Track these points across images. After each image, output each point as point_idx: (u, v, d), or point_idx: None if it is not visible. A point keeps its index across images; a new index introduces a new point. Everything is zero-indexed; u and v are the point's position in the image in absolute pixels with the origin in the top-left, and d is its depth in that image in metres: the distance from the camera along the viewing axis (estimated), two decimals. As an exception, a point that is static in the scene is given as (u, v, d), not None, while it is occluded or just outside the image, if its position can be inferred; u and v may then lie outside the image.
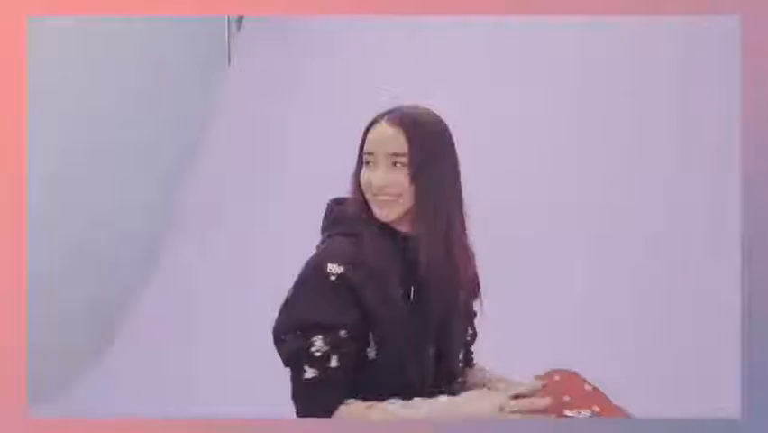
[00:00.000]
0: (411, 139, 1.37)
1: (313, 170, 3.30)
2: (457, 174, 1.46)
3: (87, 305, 3.49)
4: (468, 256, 1.51)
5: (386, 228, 1.44)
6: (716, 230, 2.70)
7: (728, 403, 1.81)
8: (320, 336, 1.34)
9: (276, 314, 1.42)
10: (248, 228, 3.55)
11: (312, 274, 1.38)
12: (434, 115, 1.45)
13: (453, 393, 1.40)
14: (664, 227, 2.85)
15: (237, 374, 3.00)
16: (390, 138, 1.38)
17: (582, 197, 2.97)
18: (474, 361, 1.69)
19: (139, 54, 3.66)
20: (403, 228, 1.45)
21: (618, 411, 1.33)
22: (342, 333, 1.35)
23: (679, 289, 2.74)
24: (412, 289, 1.45)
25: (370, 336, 1.40)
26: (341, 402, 1.36)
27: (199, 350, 3.28)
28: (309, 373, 1.34)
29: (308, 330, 1.35)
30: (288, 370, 1.39)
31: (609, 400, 1.36)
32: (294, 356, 1.36)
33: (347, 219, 1.45)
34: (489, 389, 1.45)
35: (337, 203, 1.51)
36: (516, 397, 1.30)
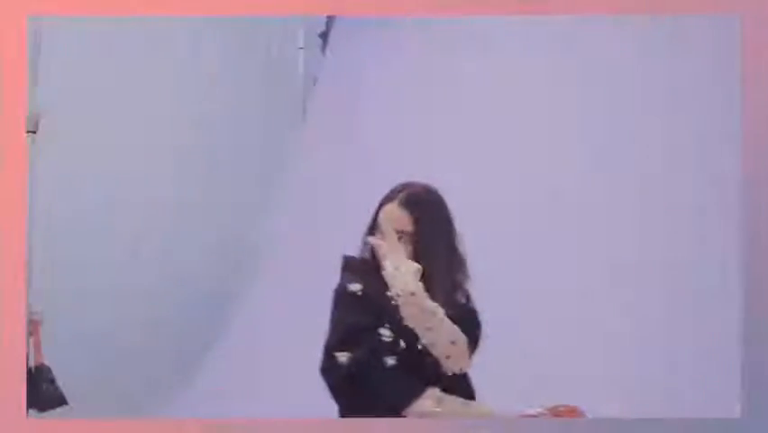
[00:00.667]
0: (416, 220, 1.66)
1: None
2: (453, 240, 1.71)
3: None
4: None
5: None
6: (715, 230, 2.70)
7: (728, 403, 1.81)
8: (381, 329, 1.57)
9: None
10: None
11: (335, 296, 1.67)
12: (436, 194, 1.74)
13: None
14: (663, 227, 2.84)
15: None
16: (398, 219, 1.67)
17: (580, 196, 2.96)
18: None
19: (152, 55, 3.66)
20: None
21: None
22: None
23: (679, 289, 2.74)
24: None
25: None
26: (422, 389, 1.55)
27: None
28: (390, 360, 1.56)
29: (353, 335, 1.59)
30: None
31: None
32: (365, 355, 1.56)
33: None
34: None
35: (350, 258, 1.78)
36: None
